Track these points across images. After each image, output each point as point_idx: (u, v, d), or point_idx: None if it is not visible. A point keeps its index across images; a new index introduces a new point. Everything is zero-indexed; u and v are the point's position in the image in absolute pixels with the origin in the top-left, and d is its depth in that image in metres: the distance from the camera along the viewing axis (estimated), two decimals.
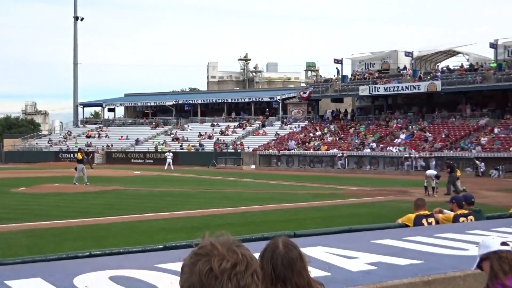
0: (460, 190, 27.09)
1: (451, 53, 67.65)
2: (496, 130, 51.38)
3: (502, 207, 17.06)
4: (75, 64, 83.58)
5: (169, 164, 54.57)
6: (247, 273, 1.79)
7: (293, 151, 58.40)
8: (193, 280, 1.79)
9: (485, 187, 32.39)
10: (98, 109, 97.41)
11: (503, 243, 4.20)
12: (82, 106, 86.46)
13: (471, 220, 9.01)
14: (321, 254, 5.56)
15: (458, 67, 61.53)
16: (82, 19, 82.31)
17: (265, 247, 2.90)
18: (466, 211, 9.20)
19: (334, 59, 67.94)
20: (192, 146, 66.57)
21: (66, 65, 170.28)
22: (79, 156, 34.23)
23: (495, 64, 57.03)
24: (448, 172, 29.75)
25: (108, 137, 75.38)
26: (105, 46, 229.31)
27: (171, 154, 57.63)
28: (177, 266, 4.79)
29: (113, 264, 5.18)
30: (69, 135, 77.61)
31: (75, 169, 33.93)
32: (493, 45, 57.97)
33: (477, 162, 45.56)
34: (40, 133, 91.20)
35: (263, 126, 70.14)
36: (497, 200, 24.20)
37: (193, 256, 1.83)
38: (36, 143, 77.39)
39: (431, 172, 29.99)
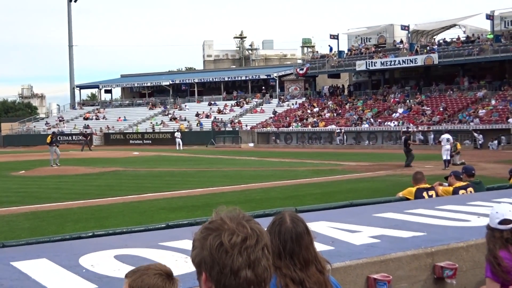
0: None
1: (448, 26, 67.37)
2: (493, 102, 51.39)
3: (501, 179, 17.10)
4: (70, 46, 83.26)
5: (179, 144, 54.03)
6: (257, 247, 1.80)
7: (291, 128, 58.45)
8: (204, 255, 1.80)
9: (484, 159, 32.49)
10: (94, 90, 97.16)
11: None
12: (78, 88, 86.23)
13: (471, 191, 9.04)
14: (324, 229, 5.58)
15: (455, 39, 61.30)
16: (75, 0, 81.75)
17: (272, 221, 2.88)
18: (464, 183, 9.23)
19: (330, 35, 67.66)
20: (185, 127, 66.18)
21: (61, 48, 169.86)
22: (49, 139, 34.27)
23: (492, 36, 56.80)
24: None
25: (106, 119, 75.32)
26: (100, 27, 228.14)
27: (179, 133, 57.24)
28: (181, 244, 4.84)
29: (117, 243, 5.20)
30: (61, 120, 77.38)
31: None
32: (490, 17, 57.68)
33: (476, 134, 45.64)
34: (38, 116, 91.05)
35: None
36: (496, 171, 24.24)
37: (203, 230, 1.85)
38: (34, 126, 77.29)
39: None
